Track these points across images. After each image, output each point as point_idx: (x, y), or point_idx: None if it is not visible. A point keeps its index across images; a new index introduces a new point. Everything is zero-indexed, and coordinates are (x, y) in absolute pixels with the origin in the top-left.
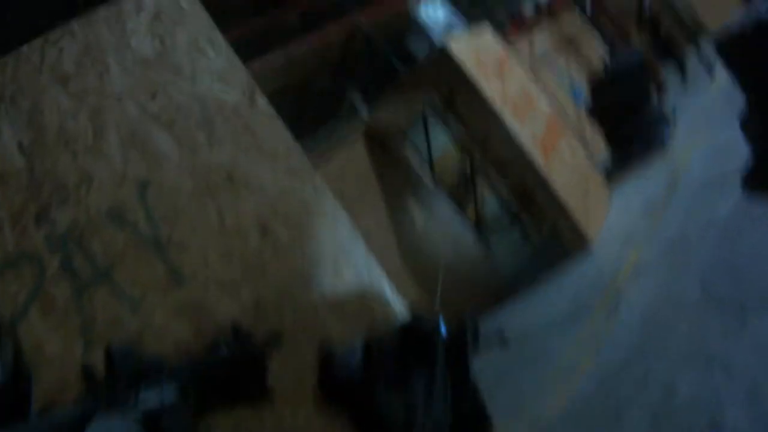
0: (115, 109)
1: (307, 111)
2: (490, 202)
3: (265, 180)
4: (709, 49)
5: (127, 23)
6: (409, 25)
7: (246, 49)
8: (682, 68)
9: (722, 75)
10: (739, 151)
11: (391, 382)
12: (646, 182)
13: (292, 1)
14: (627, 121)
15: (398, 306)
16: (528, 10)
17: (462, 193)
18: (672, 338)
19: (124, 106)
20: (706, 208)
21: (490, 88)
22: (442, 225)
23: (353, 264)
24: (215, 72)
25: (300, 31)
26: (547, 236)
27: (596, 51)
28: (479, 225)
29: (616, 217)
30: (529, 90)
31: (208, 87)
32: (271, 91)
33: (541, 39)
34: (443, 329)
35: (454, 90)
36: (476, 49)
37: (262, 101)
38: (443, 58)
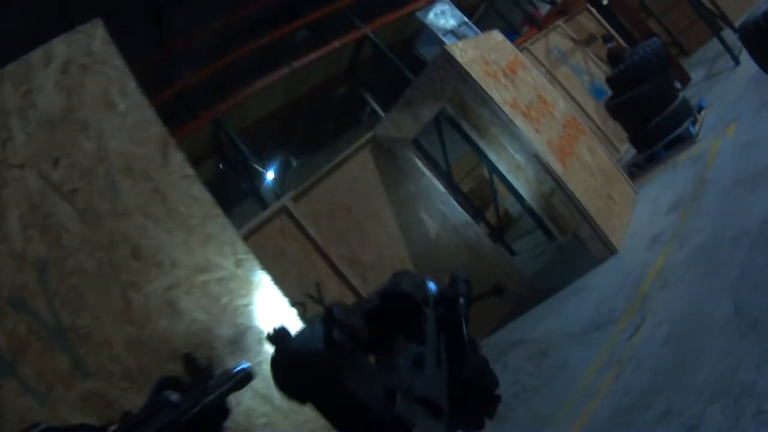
0: (17, 181)
1: (326, 120)
2: (512, 204)
3: (177, 254)
4: (734, 37)
5: (33, 80)
6: (419, 31)
7: (256, 65)
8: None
9: (750, 64)
10: None
11: (367, 354)
12: (673, 180)
13: (302, 14)
14: (650, 116)
15: None
16: (543, 9)
17: (482, 196)
18: (700, 366)
19: (25, 176)
20: (737, 211)
21: (500, 95)
22: (457, 232)
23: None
24: (125, 128)
25: (308, 44)
26: (570, 239)
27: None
28: (500, 229)
29: (642, 219)
30: (544, 94)
31: (116, 146)
32: (279, 105)
33: (558, 37)
34: (431, 286)
35: (464, 96)
36: (484, 55)
37: (176, 158)
38: (449, 65)
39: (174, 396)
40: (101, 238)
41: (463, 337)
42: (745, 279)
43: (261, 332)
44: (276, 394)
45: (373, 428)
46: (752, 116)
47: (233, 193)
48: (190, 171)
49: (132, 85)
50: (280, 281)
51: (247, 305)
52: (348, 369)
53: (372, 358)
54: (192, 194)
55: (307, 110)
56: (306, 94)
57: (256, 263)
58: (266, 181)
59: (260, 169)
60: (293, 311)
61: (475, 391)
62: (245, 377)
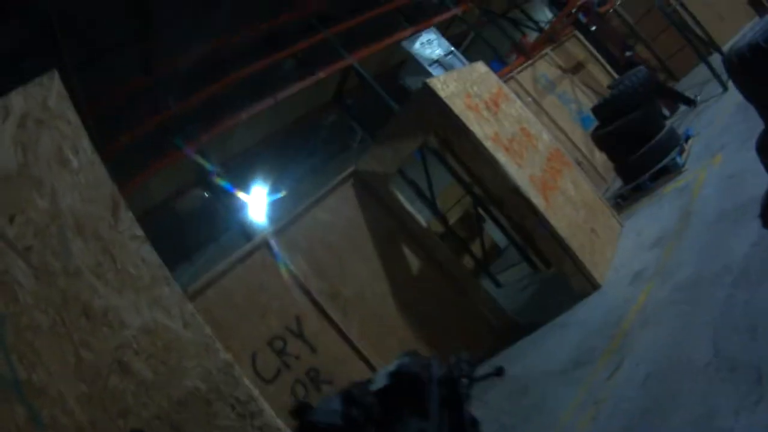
0: None
1: (315, 148)
2: (497, 236)
3: (125, 314)
4: (720, 64)
5: None
6: (405, 61)
7: (241, 95)
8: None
9: (736, 92)
10: (756, 176)
11: (379, 429)
12: (658, 213)
13: (288, 44)
14: (636, 146)
15: None
16: (531, 37)
17: (470, 226)
18: (677, 409)
19: None
20: (720, 246)
21: (482, 130)
22: (439, 268)
23: (228, 403)
24: (77, 186)
25: (294, 74)
26: (554, 273)
27: (602, 75)
28: (485, 261)
29: (626, 252)
30: (527, 126)
31: (69, 205)
32: (265, 135)
33: (546, 65)
34: (435, 369)
35: (445, 130)
36: (467, 88)
37: (126, 218)
38: (429, 99)
39: None
40: (54, 297)
41: (464, 415)
42: (726, 319)
43: (207, 393)
44: None
45: None
46: (738, 146)
47: (222, 221)
48: (140, 231)
49: (85, 141)
50: (261, 313)
51: (194, 366)
52: None
53: None
54: (141, 255)
55: (295, 139)
56: (292, 124)
57: (203, 325)
58: (251, 211)
59: (245, 200)
60: (238, 370)
61: None
62: None
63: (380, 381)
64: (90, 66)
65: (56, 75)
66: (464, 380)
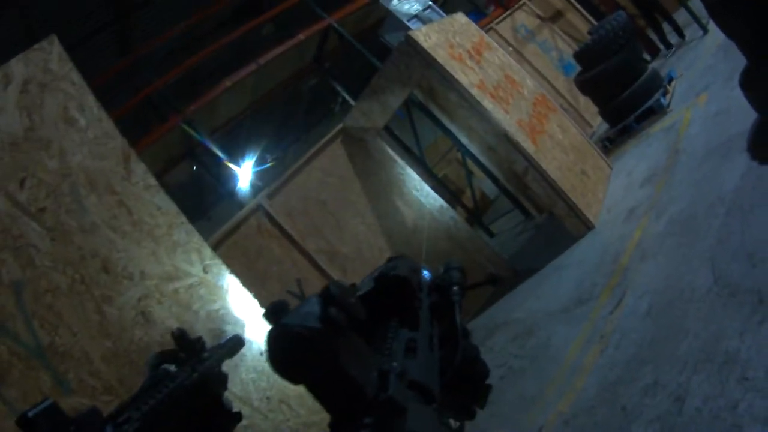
0: None
1: (298, 113)
2: (488, 186)
3: (145, 264)
4: (699, 7)
5: None
6: (384, 18)
7: (223, 64)
8: (674, 29)
9: (719, 31)
10: (741, 113)
11: (361, 336)
12: (646, 152)
13: (266, 9)
14: (620, 89)
15: None
16: None
17: (458, 179)
18: (683, 336)
19: None
20: (711, 180)
21: (467, 78)
22: (433, 218)
23: (253, 348)
24: (86, 143)
25: (274, 39)
26: (547, 217)
27: (581, 22)
28: (477, 211)
29: (617, 192)
30: (511, 73)
31: (79, 162)
32: (250, 102)
33: (524, 15)
34: (425, 273)
35: (430, 81)
36: (449, 38)
37: (138, 169)
38: (413, 51)
39: (171, 367)
40: (72, 255)
41: (457, 324)
42: (723, 247)
43: (233, 336)
44: (254, 396)
45: (365, 410)
46: (722, 84)
47: (211, 193)
48: (153, 181)
49: (90, 99)
50: (261, 279)
51: (218, 309)
52: (343, 348)
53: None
54: (156, 204)
55: (278, 105)
56: (275, 89)
57: (223, 267)
58: (241, 180)
59: (234, 168)
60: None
61: (465, 380)
62: (237, 343)
63: (366, 286)
64: (70, 52)
65: (56, 39)
66: (456, 288)
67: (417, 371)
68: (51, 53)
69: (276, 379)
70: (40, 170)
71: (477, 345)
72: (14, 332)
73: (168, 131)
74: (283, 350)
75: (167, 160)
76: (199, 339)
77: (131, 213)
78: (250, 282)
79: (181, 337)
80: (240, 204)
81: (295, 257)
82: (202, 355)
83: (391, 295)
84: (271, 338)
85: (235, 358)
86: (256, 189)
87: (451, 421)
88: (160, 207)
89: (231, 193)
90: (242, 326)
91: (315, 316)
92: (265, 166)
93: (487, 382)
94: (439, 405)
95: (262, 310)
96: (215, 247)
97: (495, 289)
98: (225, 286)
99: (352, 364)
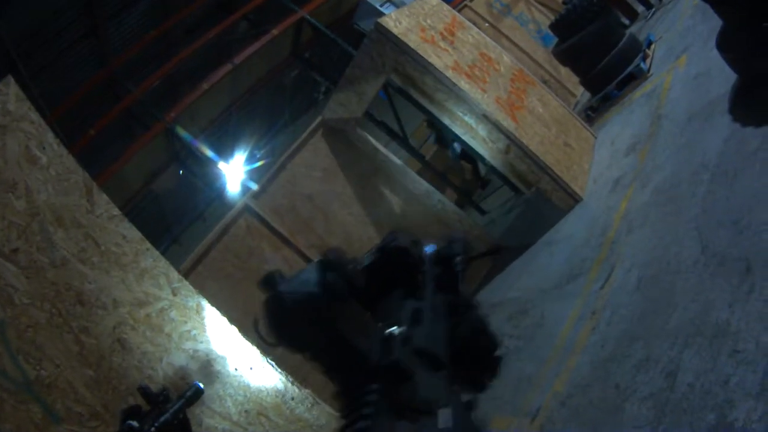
0: None
1: (282, 107)
2: (474, 166)
3: (117, 293)
4: None
5: None
6: (357, 6)
7: (200, 66)
8: None
9: None
10: (722, 74)
11: (366, 307)
12: (629, 119)
13: (237, 7)
14: (599, 57)
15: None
16: None
17: (447, 160)
18: (673, 309)
19: None
20: (694, 145)
21: (441, 60)
22: (420, 203)
23: (227, 364)
24: (50, 180)
25: (249, 37)
26: (535, 192)
27: None
28: (465, 191)
29: (602, 162)
30: (486, 51)
31: (45, 200)
32: (230, 101)
33: None
34: (429, 247)
35: (405, 67)
36: (420, 22)
37: (101, 200)
38: (384, 38)
39: (135, 423)
40: (47, 291)
41: (460, 294)
42: (708, 216)
43: (208, 353)
44: (233, 410)
45: (369, 377)
46: (701, 46)
47: (202, 195)
48: (116, 211)
49: (50, 136)
50: (254, 279)
51: (190, 330)
52: (343, 314)
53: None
54: (121, 233)
55: (261, 100)
56: (255, 85)
57: (191, 289)
58: (231, 180)
59: (221, 169)
60: (234, 329)
61: (474, 352)
62: (194, 394)
63: (368, 259)
64: (48, 69)
65: (11, 80)
66: (458, 258)
67: (423, 339)
68: (8, 94)
69: (252, 392)
70: (9, 212)
71: (485, 317)
72: (1, 368)
73: (152, 139)
74: (281, 319)
75: (154, 168)
76: (162, 391)
77: (98, 244)
78: (243, 282)
79: (144, 392)
80: (229, 204)
81: (286, 254)
82: (165, 406)
83: (393, 265)
84: (268, 307)
85: (212, 374)
86: (247, 188)
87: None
88: (125, 236)
89: (222, 194)
90: (214, 343)
91: (313, 282)
92: (256, 165)
93: (498, 354)
94: (449, 375)
95: (234, 328)
96: (207, 251)
97: (491, 266)
98: (195, 307)
99: (353, 330)
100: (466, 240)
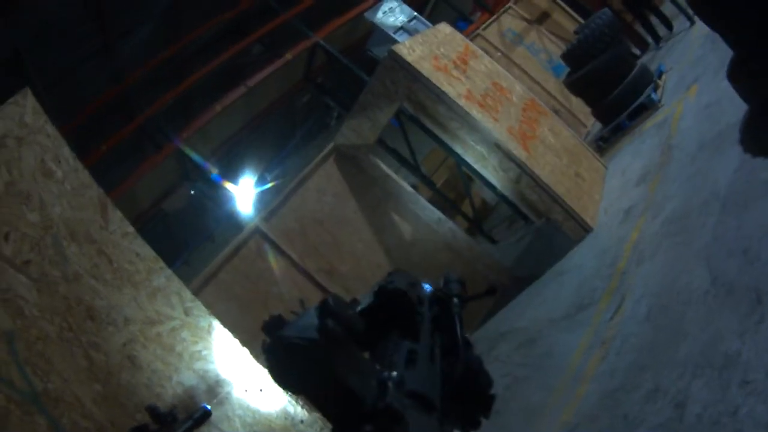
0: None
1: (294, 130)
2: (488, 192)
3: (128, 310)
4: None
5: None
6: (370, 32)
7: (214, 87)
8: (662, 21)
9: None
10: (732, 104)
11: (363, 348)
12: (640, 149)
13: (251, 31)
14: (610, 87)
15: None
16: None
17: (458, 187)
18: (682, 339)
19: None
20: (705, 175)
21: (454, 89)
22: (431, 230)
23: (237, 386)
24: (64, 195)
25: (262, 60)
26: (546, 222)
27: (568, 21)
28: (477, 219)
29: (613, 192)
30: (499, 80)
31: (59, 214)
32: (242, 124)
33: (510, 19)
34: (424, 288)
35: (417, 94)
36: (433, 50)
37: (115, 216)
38: (397, 66)
39: None
40: (58, 304)
41: (458, 336)
42: (718, 245)
43: (217, 374)
44: None
45: (365, 419)
46: (712, 76)
47: (213, 216)
48: (130, 228)
49: (66, 150)
50: (263, 301)
51: (201, 350)
52: (341, 359)
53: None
54: (134, 251)
55: (273, 123)
56: (268, 108)
57: (204, 309)
58: (241, 201)
59: (231, 190)
60: (245, 351)
61: (469, 391)
62: (203, 416)
63: (366, 300)
64: (60, 83)
65: (29, 92)
66: (456, 300)
67: (417, 381)
68: (25, 107)
69: (262, 414)
70: (22, 224)
71: (480, 355)
72: (9, 379)
73: (163, 159)
74: (281, 362)
75: (165, 187)
76: (171, 412)
77: (111, 261)
78: (252, 304)
79: (153, 411)
80: (242, 225)
81: (295, 277)
82: (172, 426)
83: (391, 307)
84: (270, 350)
85: (221, 395)
86: (258, 209)
87: None
88: (138, 253)
89: (231, 215)
90: (224, 364)
91: (312, 327)
92: (266, 186)
93: (492, 392)
94: (442, 415)
95: (245, 350)
96: (216, 272)
97: (497, 299)
98: (206, 327)
99: (350, 373)
100: (463, 280)
